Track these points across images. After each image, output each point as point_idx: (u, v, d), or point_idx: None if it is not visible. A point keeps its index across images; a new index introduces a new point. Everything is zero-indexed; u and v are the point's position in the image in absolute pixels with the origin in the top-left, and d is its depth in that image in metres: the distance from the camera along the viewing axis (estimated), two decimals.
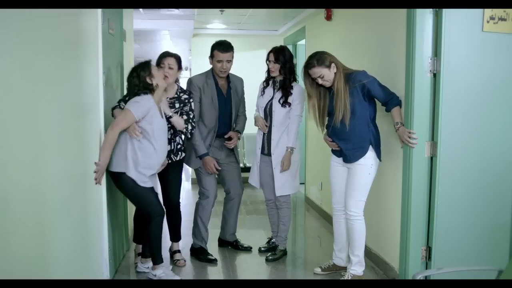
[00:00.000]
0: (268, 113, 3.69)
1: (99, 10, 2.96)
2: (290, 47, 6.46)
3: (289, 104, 3.61)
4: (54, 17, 2.14)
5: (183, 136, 3.59)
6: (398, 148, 3.26)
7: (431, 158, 3.10)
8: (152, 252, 3.26)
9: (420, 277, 1.91)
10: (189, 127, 3.45)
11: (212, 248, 3.98)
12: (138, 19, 5.69)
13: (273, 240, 4.04)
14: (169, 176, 3.55)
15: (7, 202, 1.64)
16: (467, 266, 2.55)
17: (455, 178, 3.09)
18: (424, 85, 3.05)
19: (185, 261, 3.70)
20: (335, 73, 3.10)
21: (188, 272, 3.29)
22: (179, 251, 3.78)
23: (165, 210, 3.36)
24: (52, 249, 2.11)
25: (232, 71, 3.80)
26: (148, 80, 3.04)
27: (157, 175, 3.37)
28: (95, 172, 2.82)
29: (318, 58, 3.11)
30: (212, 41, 3.75)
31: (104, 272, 3.08)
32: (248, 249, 4.03)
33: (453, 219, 3.11)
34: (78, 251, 2.56)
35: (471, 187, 3.12)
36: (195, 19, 6.11)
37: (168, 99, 3.44)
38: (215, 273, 3.60)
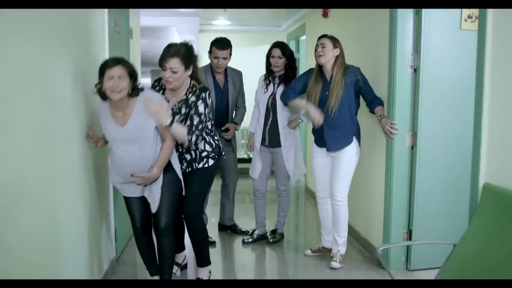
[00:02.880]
0: (270, 107, 3.85)
1: (106, 9, 3.15)
2: (293, 42, 6.70)
3: None
4: (61, 16, 2.30)
5: (210, 142, 3.06)
6: (382, 140, 3.49)
7: (412, 147, 3.34)
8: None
9: (382, 249, 2.15)
10: (192, 138, 2.75)
11: (212, 232, 4.25)
12: (145, 16, 5.93)
13: (256, 231, 4.15)
14: (186, 185, 3.00)
15: (22, 185, 1.83)
16: (426, 240, 2.78)
17: (434, 166, 3.32)
18: (405, 79, 3.29)
19: None
20: (336, 57, 3.39)
21: (188, 253, 3.55)
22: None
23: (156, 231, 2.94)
24: (61, 228, 2.32)
25: (236, 66, 4.04)
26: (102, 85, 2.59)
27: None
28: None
29: (333, 37, 3.50)
30: (218, 36, 3.96)
31: (110, 251, 3.36)
32: (246, 233, 4.29)
33: (432, 203, 3.35)
34: (86, 231, 2.79)
35: (447, 173, 3.35)
36: (200, 15, 6.35)
37: (176, 103, 2.90)
38: (214, 253, 3.87)
